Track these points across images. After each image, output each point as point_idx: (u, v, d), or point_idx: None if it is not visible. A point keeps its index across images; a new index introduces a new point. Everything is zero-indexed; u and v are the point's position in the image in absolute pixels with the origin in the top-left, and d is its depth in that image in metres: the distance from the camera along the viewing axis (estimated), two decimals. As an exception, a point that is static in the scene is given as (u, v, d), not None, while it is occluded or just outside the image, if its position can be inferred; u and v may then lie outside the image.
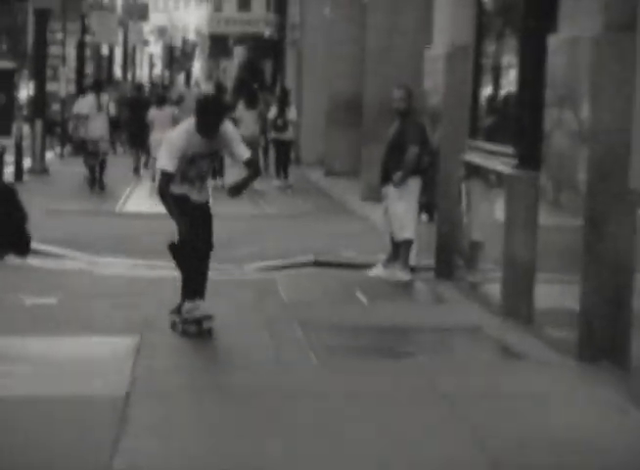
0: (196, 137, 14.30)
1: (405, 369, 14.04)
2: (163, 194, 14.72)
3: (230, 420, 11.62)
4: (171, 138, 14.62)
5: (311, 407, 10.27)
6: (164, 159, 14.47)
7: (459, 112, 19.50)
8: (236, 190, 15.63)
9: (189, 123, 14.54)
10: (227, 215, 24.82)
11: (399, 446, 10.67)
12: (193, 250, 14.62)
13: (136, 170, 41.60)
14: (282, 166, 39.11)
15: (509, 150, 16.41)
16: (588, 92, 13.53)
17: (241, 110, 39.95)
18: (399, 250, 19.91)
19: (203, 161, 15.16)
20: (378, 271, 19.78)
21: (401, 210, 19.76)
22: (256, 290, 19.08)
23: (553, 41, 14.80)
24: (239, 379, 13.20)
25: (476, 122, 19.25)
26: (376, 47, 28.60)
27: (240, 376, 13.29)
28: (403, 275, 19.64)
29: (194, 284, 14.62)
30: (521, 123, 16.04)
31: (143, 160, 41.66)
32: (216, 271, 18.10)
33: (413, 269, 19.77)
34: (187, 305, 13.99)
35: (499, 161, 16.87)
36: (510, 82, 17.54)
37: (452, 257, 19.06)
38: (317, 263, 21.13)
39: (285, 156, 39.95)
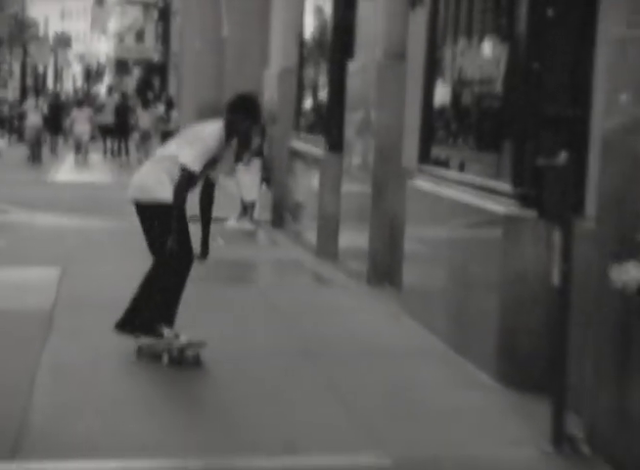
0: (221, 142, 9.84)
1: (249, 290, 14.18)
2: (179, 197, 9.76)
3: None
4: (204, 136, 9.78)
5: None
6: (193, 156, 9.59)
7: (287, 113, 19.65)
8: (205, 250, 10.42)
9: (218, 126, 9.83)
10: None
11: (238, 334, 11.04)
12: (186, 265, 10.03)
13: (53, 151, 43.37)
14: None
15: (321, 139, 16.51)
16: (374, 101, 13.69)
17: (139, 111, 41.00)
18: (247, 208, 20.06)
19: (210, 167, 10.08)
20: (232, 223, 19.69)
21: (248, 180, 19.95)
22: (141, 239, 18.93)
23: (351, 66, 14.96)
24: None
25: (298, 120, 19.38)
26: (231, 68, 28.67)
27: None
28: (249, 226, 19.88)
29: (174, 307, 9.92)
30: (329, 121, 16.13)
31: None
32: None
33: (256, 222, 19.93)
34: (169, 334, 9.59)
35: (315, 147, 16.96)
36: (322, 93, 17.61)
37: (283, 213, 19.24)
38: (190, 218, 21.06)
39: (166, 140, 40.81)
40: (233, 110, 9.99)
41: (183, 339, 9.60)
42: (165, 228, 9.76)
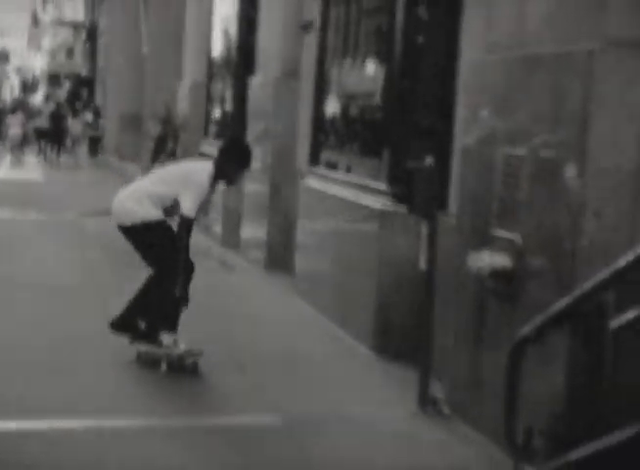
0: (211, 185, 9.03)
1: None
2: (183, 243, 8.97)
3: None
4: (199, 183, 8.88)
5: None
6: (191, 203, 8.84)
7: (198, 121, 19.65)
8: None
9: (209, 169, 8.98)
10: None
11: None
12: (189, 274, 9.16)
13: None
14: (93, 152, 39.95)
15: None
16: (271, 112, 13.75)
17: (70, 119, 40.90)
18: None
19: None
20: None
21: None
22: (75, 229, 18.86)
23: (252, 81, 14.99)
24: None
25: (207, 127, 19.38)
26: (150, 81, 28.55)
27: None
28: None
29: (177, 313, 9.02)
30: (233, 129, 16.16)
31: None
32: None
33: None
34: (167, 339, 8.79)
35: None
36: (228, 104, 17.62)
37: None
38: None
39: (95, 145, 40.53)
40: (226, 155, 9.16)
41: (182, 347, 8.77)
42: (152, 240, 8.99)
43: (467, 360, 7.51)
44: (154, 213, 8.86)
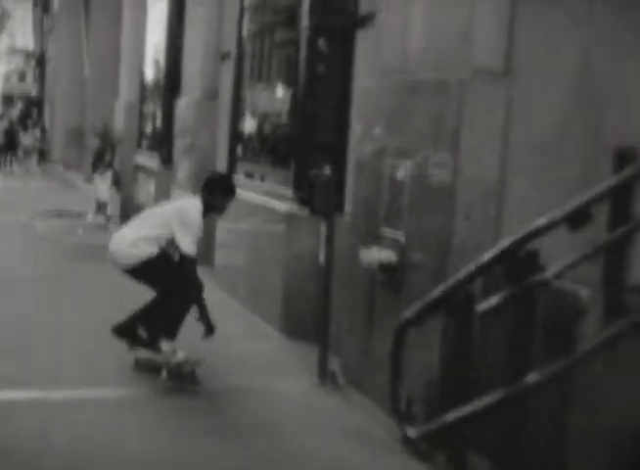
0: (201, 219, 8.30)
1: (101, 265, 13.98)
2: (192, 277, 8.23)
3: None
4: (194, 221, 8.15)
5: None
6: (191, 243, 8.11)
7: (132, 135, 19.52)
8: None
9: (198, 206, 8.27)
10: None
11: (90, 294, 10.76)
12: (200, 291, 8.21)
13: None
14: (42, 162, 39.77)
15: (157, 156, 16.47)
16: (194, 129, 13.75)
17: (22, 133, 40.65)
18: (101, 207, 19.46)
19: None
20: (90, 218, 19.29)
21: (103, 186, 19.50)
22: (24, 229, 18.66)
23: (178, 102, 14.97)
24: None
25: (140, 141, 19.25)
26: (90, 101, 28.34)
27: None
28: (102, 220, 19.05)
29: (180, 325, 8.17)
30: (162, 143, 16.10)
31: None
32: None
33: (108, 217, 19.16)
34: (166, 347, 8.01)
35: (152, 161, 16.89)
36: (157, 122, 17.51)
37: (129, 210, 19.00)
38: (57, 214, 20.56)
39: (43, 157, 40.36)
40: (212, 190, 8.35)
41: (180, 356, 7.96)
42: (157, 273, 8.10)
43: (359, 340, 7.61)
44: (152, 251, 8.02)
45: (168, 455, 6.16)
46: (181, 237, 7.97)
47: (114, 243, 8.27)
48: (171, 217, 8.12)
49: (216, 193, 8.32)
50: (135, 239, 8.07)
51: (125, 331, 8.31)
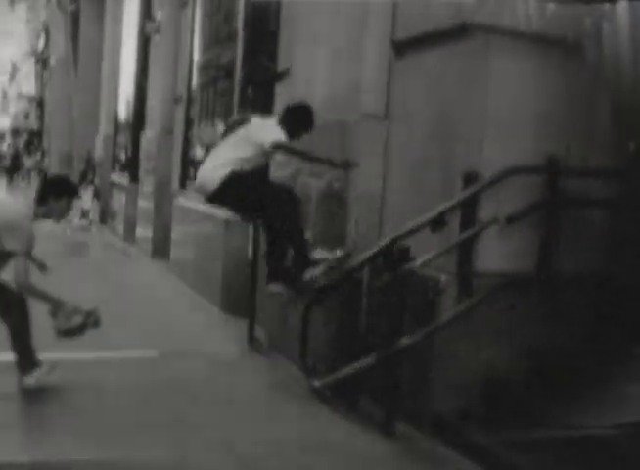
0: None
1: (84, 258, 13.85)
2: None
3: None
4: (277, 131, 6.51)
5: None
6: (279, 134, 6.37)
7: (108, 159, 19.23)
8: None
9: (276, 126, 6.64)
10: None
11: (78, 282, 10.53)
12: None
13: None
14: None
15: (127, 175, 16.25)
16: (155, 155, 13.60)
17: (25, 157, 39.90)
18: (84, 213, 18.59)
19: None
20: (76, 222, 17.96)
21: (86, 197, 18.71)
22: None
23: (143, 135, 14.78)
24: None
25: (114, 164, 18.96)
26: (78, 135, 27.83)
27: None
28: (85, 223, 18.27)
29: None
30: (131, 163, 15.84)
31: None
32: None
33: (90, 221, 18.49)
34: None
35: (123, 179, 16.63)
36: (128, 150, 17.24)
37: (106, 216, 18.66)
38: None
39: (43, 176, 39.53)
40: (291, 115, 6.66)
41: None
42: (241, 189, 6.37)
43: (279, 314, 7.59)
44: (227, 171, 6.30)
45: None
46: (268, 135, 6.32)
47: (200, 177, 6.65)
48: (250, 130, 6.49)
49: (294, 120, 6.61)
50: (215, 165, 6.45)
51: (276, 274, 6.66)
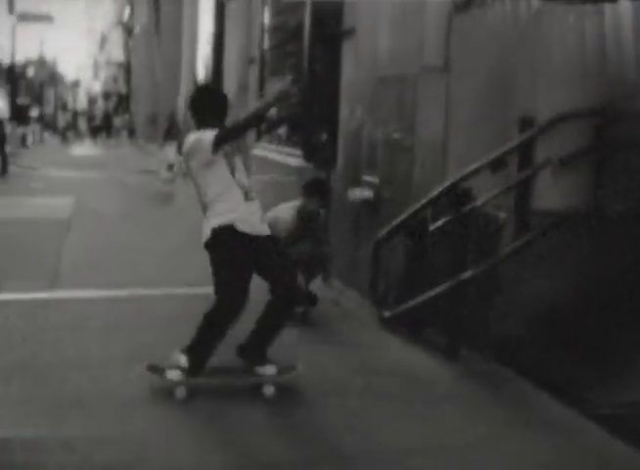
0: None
1: (170, 207, 13.98)
2: None
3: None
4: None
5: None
6: None
7: (189, 120, 19.20)
8: None
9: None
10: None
11: (159, 227, 10.62)
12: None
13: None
14: (131, 137, 38.68)
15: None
16: (232, 113, 13.49)
17: (115, 117, 39.85)
18: (169, 166, 18.32)
19: None
20: (163, 174, 17.82)
21: (170, 152, 18.67)
22: (118, 183, 18.51)
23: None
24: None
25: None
26: (162, 96, 27.93)
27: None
28: (171, 176, 17.44)
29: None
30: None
31: None
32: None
33: (174, 173, 18.10)
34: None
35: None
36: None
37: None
38: (140, 171, 20.34)
39: (132, 134, 39.43)
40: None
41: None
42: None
43: (349, 252, 7.54)
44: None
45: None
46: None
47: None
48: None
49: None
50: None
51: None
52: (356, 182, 7.28)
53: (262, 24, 12.31)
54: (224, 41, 14.85)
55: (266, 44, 12.31)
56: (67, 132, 39.65)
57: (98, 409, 4.37)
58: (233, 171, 4.63)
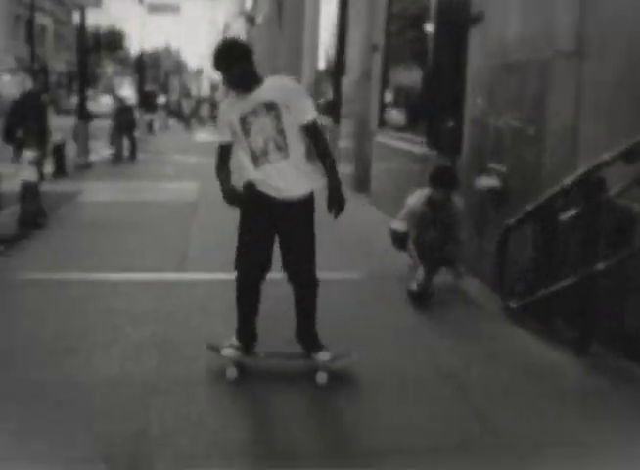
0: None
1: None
2: None
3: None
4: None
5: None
6: None
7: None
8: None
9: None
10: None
11: None
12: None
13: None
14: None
15: (329, 117, 16.32)
16: (356, 98, 13.52)
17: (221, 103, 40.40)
18: None
19: None
20: None
21: None
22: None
23: (344, 80, 14.80)
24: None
25: (317, 107, 19.00)
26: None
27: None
28: None
29: None
30: (332, 107, 15.85)
31: None
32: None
33: None
34: None
35: (325, 121, 16.67)
36: (328, 95, 17.29)
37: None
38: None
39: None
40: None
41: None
42: None
43: (473, 240, 7.42)
44: None
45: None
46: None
47: None
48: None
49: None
50: None
51: None
52: (482, 170, 7.14)
53: (387, 10, 12.23)
54: (347, 28, 14.84)
55: (389, 31, 12.22)
56: (190, 119, 40.44)
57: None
58: (248, 132, 4.48)
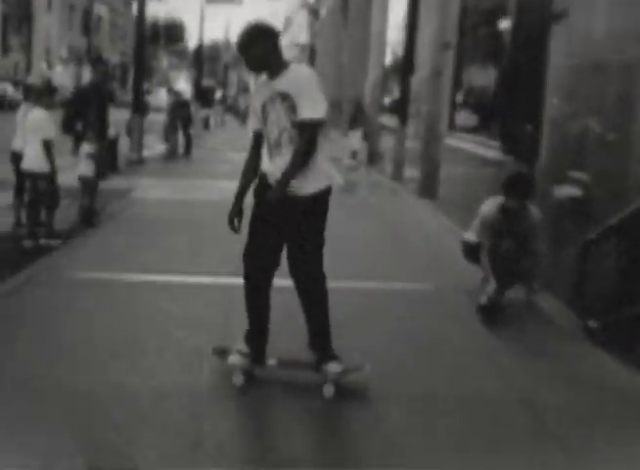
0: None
1: (356, 198, 14.08)
2: None
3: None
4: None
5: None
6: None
7: (375, 103, 19.24)
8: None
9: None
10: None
11: (351, 219, 10.68)
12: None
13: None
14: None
15: (395, 117, 16.26)
16: (425, 97, 13.46)
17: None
18: (353, 154, 18.81)
19: None
20: (345, 162, 18.66)
21: (355, 139, 18.70)
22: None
23: (413, 78, 14.73)
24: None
25: (382, 107, 18.95)
26: (346, 80, 28.18)
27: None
28: (354, 163, 18.31)
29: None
30: (400, 106, 15.84)
31: None
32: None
33: (358, 161, 18.59)
34: None
35: (391, 122, 16.69)
36: (395, 93, 17.27)
37: (375, 157, 18.85)
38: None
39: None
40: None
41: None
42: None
43: (550, 252, 7.23)
44: None
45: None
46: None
47: None
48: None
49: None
50: None
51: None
52: (562, 178, 6.98)
53: (460, 6, 12.11)
54: (417, 24, 14.76)
55: (463, 27, 12.10)
56: (247, 115, 40.74)
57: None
58: (265, 120, 4.42)
